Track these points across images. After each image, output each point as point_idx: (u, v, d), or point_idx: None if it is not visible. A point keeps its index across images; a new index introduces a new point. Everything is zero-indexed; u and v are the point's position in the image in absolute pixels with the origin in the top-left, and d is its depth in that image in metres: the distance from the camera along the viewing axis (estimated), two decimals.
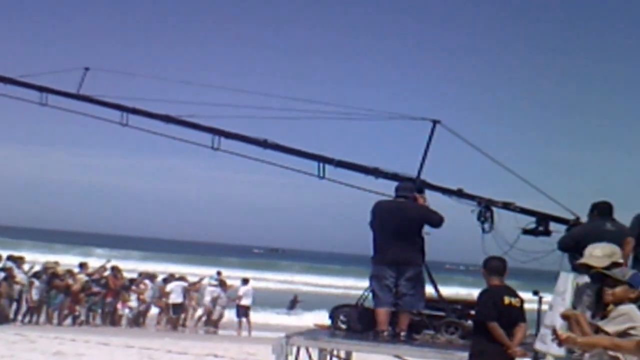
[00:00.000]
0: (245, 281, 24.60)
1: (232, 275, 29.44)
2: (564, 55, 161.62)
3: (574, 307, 6.82)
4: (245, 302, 23.79)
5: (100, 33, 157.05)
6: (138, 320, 22.32)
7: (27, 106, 13.44)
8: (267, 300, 30.86)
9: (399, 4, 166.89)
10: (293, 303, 32.39)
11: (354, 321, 9.21)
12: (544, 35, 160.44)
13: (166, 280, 23.27)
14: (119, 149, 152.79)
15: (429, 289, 9.46)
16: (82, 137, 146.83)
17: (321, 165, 11.25)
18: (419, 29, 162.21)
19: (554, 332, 5.29)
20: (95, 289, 20.59)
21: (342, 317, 9.39)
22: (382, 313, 8.81)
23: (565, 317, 5.79)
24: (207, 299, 23.71)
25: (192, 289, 23.81)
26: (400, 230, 8.81)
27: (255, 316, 25.28)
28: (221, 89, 14.27)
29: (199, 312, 24.34)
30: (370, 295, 9.26)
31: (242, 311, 23.77)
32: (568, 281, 7.14)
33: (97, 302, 20.58)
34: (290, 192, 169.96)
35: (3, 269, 18.61)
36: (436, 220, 8.99)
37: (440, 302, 9.55)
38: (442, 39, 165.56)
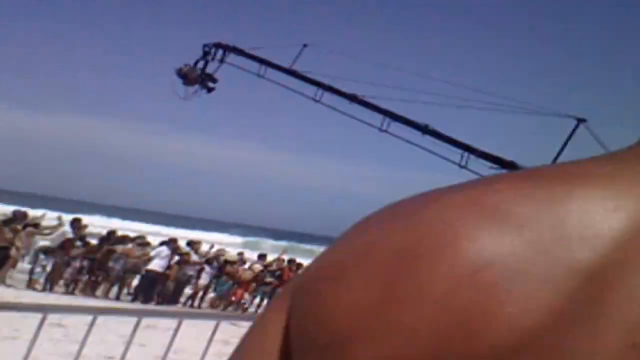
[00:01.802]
0: None
1: None
2: None
3: None
4: None
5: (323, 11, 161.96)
6: None
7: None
8: None
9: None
10: None
11: None
12: None
13: None
14: None
15: None
16: None
17: (465, 155, 10.82)
18: None
19: None
20: (269, 279, 20.90)
21: None
22: None
23: None
24: None
25: None
26: None
27: None
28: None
29: None
30: None
31: None
32: None
33: (267, 292, 20.88)
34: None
35: (180, 254, 19.27)
36: None
37: None
38: None
